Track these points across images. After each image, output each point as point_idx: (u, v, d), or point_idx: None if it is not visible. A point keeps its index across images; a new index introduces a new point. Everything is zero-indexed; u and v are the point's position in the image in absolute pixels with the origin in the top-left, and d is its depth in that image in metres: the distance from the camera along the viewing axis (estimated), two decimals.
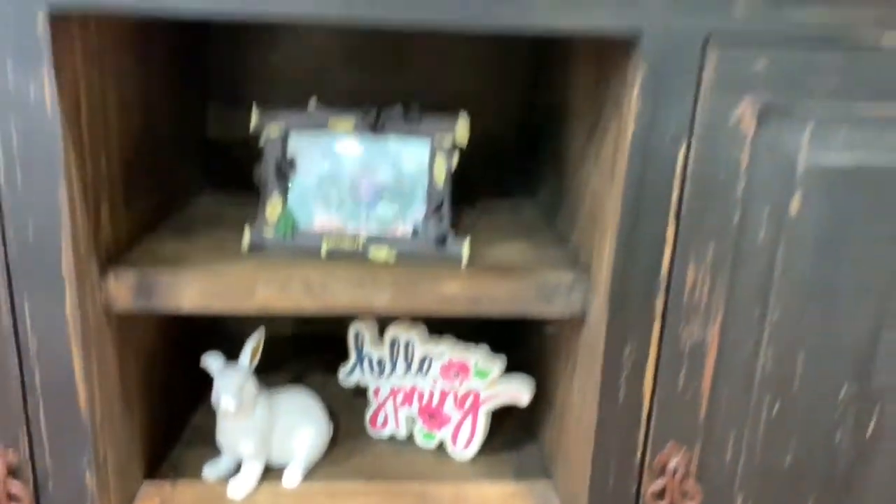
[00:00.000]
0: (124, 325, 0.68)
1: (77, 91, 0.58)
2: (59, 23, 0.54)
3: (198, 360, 0.75)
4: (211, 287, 0.64)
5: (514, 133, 0.99)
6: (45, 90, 0.53)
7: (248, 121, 0.70)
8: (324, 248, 0.69)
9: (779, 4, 0.55)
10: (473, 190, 0.88)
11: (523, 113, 0.98)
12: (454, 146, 0.69)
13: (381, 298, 0.65)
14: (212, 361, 0.74)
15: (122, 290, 0.63)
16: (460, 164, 0.70)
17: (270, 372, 0.85)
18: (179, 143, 0.86)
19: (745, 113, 0.57)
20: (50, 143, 0.55)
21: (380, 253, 0.69)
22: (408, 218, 0.70)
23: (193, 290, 0.64)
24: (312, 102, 0.70)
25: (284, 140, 0.69)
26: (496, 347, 0.81)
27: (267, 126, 0.69)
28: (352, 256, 0.69)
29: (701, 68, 0.56)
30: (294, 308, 0.65)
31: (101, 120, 0.62)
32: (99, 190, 0.63)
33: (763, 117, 0.57)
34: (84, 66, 0.58)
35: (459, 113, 0.69)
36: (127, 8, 0.53)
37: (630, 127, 0.57)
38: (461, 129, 0.69)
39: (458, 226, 0.77)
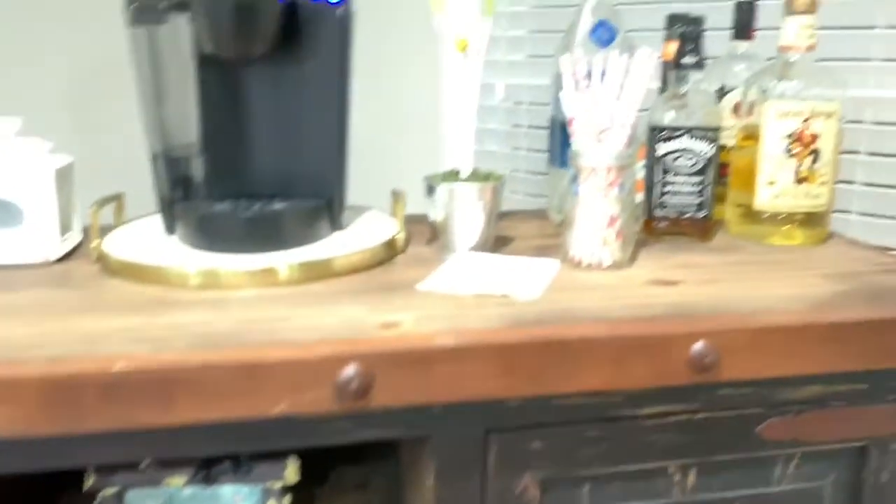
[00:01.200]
0: None
1: None
2: None
3: None
4: None
5: None
6: None
7: None
8: None
9: (545, 396, 0.63)
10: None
11: None
12: (285, 488, 0.74)
13: None
14: None
15: None
16: None
17: None
18: None
19: (528, 484, 0.65)
20: None
21: None
22: None
23: None
24: (145, 462, 0.74)
25: (120, 498, 0.73)
26: None
27: (103, 488, 0.72)
28: None
29: (485, 455, 0.63)
30: None
31: None
32: None
33: (545, 485, 0.65)
34: None
35: (289, 457, 0.74)
36: None
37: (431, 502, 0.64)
38: (290, 472, 0.74)
39: None
